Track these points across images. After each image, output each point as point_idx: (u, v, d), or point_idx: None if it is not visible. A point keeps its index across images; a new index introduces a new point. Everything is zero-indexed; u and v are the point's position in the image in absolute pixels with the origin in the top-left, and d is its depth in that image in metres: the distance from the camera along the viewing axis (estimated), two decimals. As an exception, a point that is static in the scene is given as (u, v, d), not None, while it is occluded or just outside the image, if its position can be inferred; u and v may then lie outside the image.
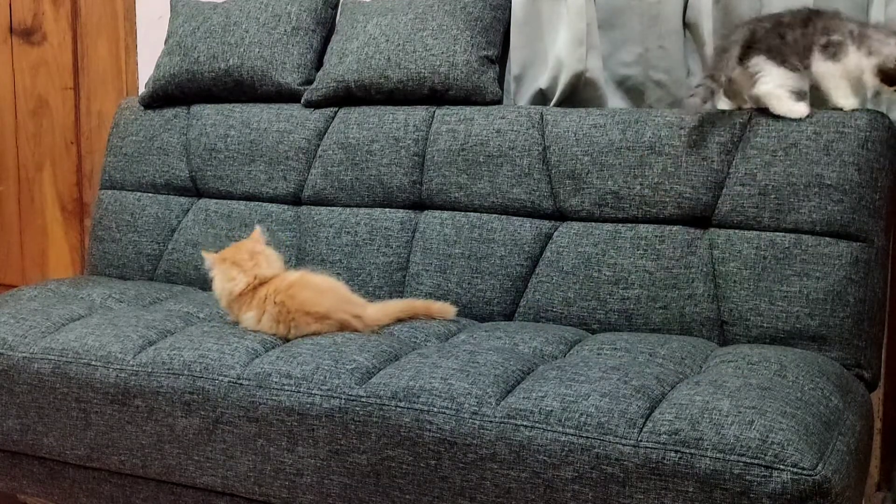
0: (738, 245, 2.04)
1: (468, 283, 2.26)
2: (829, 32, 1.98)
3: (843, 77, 1.99)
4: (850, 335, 1.95)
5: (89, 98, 3.22)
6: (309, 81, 2.55)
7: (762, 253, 2.01)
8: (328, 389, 1.76)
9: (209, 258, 2.06)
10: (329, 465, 1.75)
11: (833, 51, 1.96)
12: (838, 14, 2.02)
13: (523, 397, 1.66)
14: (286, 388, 1.79)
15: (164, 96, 2.70)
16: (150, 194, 2.67)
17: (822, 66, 1.99)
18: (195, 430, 1.86)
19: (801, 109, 2.01)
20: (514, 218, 2.26)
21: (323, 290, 2.02)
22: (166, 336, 2.02)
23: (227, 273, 2.02)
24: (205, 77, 2.61)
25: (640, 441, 1.54)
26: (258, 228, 2.14)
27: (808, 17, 2.01)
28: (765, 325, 1.99)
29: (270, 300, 1.97)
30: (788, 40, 1.99)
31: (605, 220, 2.17)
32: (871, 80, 1.96)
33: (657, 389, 1.67)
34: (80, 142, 3.25)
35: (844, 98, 2.00)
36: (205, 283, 2.53)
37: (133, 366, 1.92)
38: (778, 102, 2.02)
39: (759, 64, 2.01)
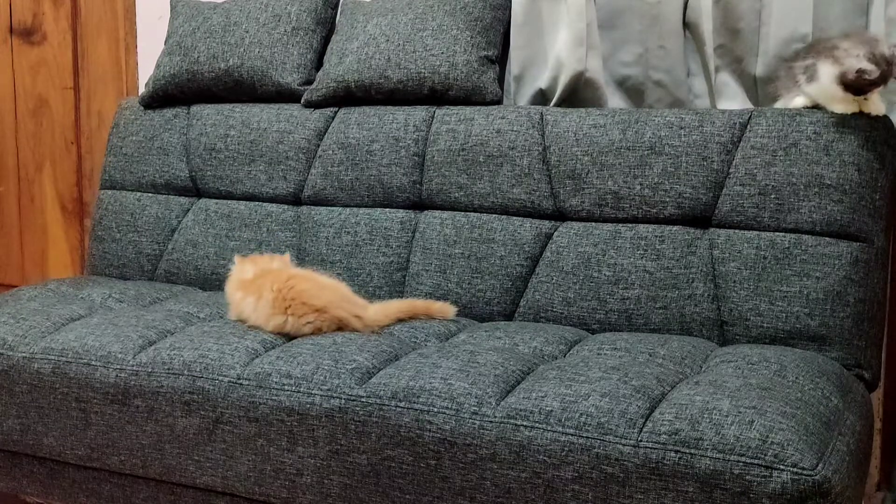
0: (738, 245, 2.04)
1: (468, 283, 2.26)
2: (805, 57, 2.04)
3: (827, 93, 1.99)
4: (850, 335, 1.95)
5: (89, 98, 3.21)
6: (309, 81, 2.55)
7: (762, 253, 2.01)
8: (328, 389, 1.76)
9: (241, 267, 2.11)
10: (329, 465, 1.75)
11: (810, 73, 2.01)
12: (828, 38, 2.06)
13: (523, 397, 1.66)
14: (286, 388, 1.79)
15: (164, 96, 2.70)
16: (150, 194, 2.67)
17: (809, 89, 2.03)
18: (195, 430, 1.86)
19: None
20: (514, 218, 2.26)
21: (323, 285, 2.03)
22: (166, 336, 2.02)
23: (259, 308, 2.02)
24: (205, 77, 2.61)
25: (640, 441, 1.54)
26: (288, 256, 2.17)
27: (806, 48, 2.09)
28: (765, 325, 1.99)
29: (268, 287, 1.98)
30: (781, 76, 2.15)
31: (605, 220, 2.17)
32: (837, 92, 1.96)
33: (657, 389, 1.67)
34: (80, 142, 3.25)
35: (841, 106, 2.00)
36: (205, 283, 2.54)
37: (133, 366, 1.92)
38: None
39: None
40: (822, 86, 1.98)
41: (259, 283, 2.02)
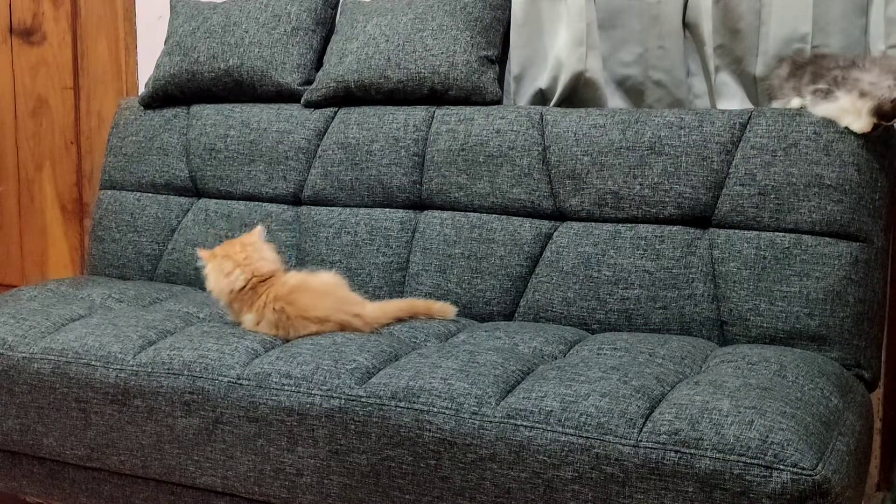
0: (737, 245, 2.04)
1: (468, 283, 2.25)
2: (815, 80, 2.04)
3: (842, 111, 1.99)
4: (849, 335, 1.95)
5: (89, 98, 3.21)
6: (309, 81, 2.55)
7: (762, 253, 2.01)
8: (328, 389, 1.76)
9: (203, 255, 2.06)
10: (329, 465, 1.75)
11: (822, 95, 2.01)
12: (824, 57, 2.06)
13: (523, 397, 1.66)
14: (286, 388, 1.79)
15: (164, 96, 2.70)
16: (149, 194, 2.67)
17: (819, 109, 2.02)
18: (195, 430, 1.86)
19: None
20: (514, 218, 2.26)
21: (321, 292, 2.02)
22: (166, 336, 2.02)
23: (222, 268, 2.02)
24: (205, 77, 2.61)
25: (640, 441, 1.54)
26: (259, 227, 2.13)
27: (803, 63, 2.10)
28: (765, 325, 1.99)
29: (270, 307, 1.97)
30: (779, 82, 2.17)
31: (605, 220, 2.17)
32: (867, 120, 1.96)
33: (657, 389, 1.67)
34: (79, 142, 3.25)
35: (854, 123, 1.99)
36: (204, 283, 2.53)
37: (133, 366, 1.92)
38: None
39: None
40: (842, 108, 1.98)
41: (260, 301, 1.99)
